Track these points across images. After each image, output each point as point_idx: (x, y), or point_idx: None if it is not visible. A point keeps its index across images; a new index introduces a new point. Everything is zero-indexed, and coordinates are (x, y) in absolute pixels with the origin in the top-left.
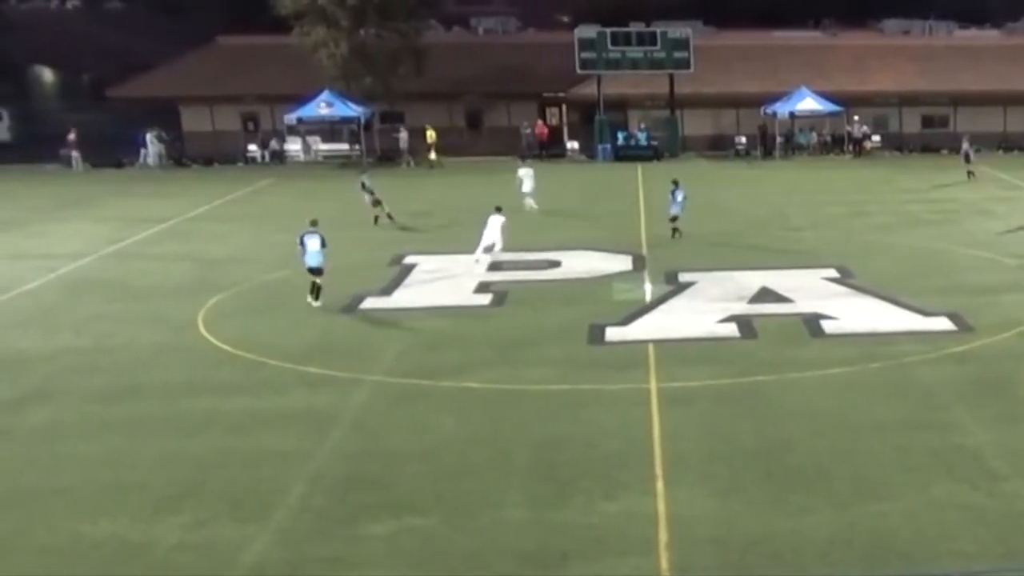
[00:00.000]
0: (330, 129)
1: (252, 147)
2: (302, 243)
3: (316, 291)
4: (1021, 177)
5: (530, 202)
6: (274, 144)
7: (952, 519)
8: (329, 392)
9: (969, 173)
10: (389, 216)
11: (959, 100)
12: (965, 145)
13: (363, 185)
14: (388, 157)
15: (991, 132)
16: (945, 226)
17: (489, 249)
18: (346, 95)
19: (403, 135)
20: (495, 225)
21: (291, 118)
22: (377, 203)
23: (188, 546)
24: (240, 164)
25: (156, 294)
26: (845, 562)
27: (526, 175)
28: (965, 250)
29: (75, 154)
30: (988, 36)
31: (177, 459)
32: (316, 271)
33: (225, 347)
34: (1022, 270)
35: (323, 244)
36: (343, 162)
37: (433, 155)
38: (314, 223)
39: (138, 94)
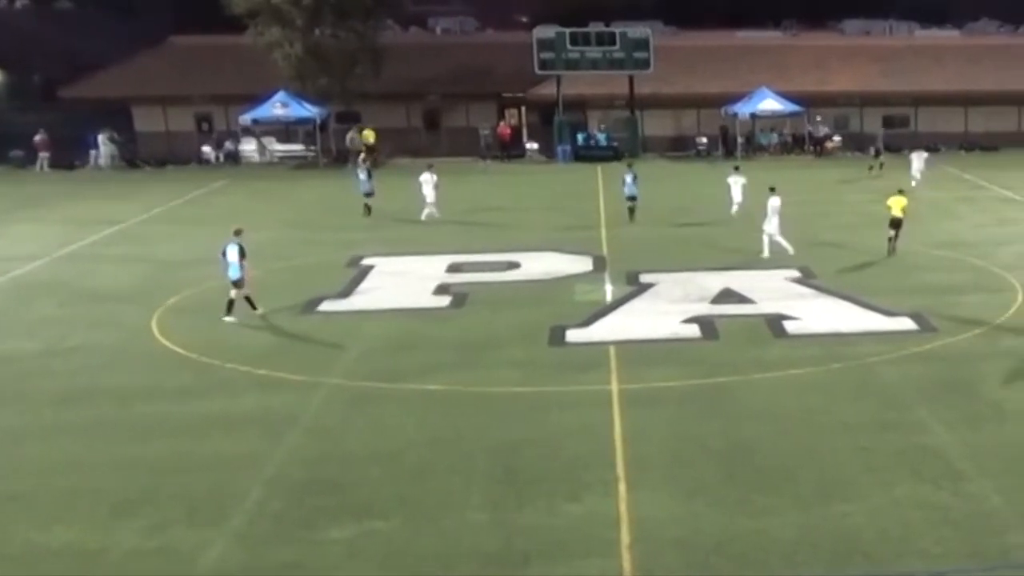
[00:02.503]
0: (285, 130)
1: (206, 148)
2: (223, 254)
3: (229, 305)
4: (984, 177)
5: None
6: (229, 145)
7: (916, 519)
8: (286, 395)
9: (880, 164)
10: (368, 209)
11: (920, 100)
12: (879, 143)
13: (369, 175)
14: (344, 158)
15: (953, 132)
16: (907, 226)
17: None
18: (302, 96)
19: (350, 135)
20: (774, 206)
21: (246, 119)
22: (370, 194)
23: (144, 552)
24: (194, 165)
25: (110, 297)
26: (810, 563)
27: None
28: (928, 250)
29: (43, 155)
30: (949, 36)
31: (132, 464)
32: (237, 283)
33: (180, 350)
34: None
35: (242, 254)
36: (299, 163)
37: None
38: (237, 232)
39: (89, 94)
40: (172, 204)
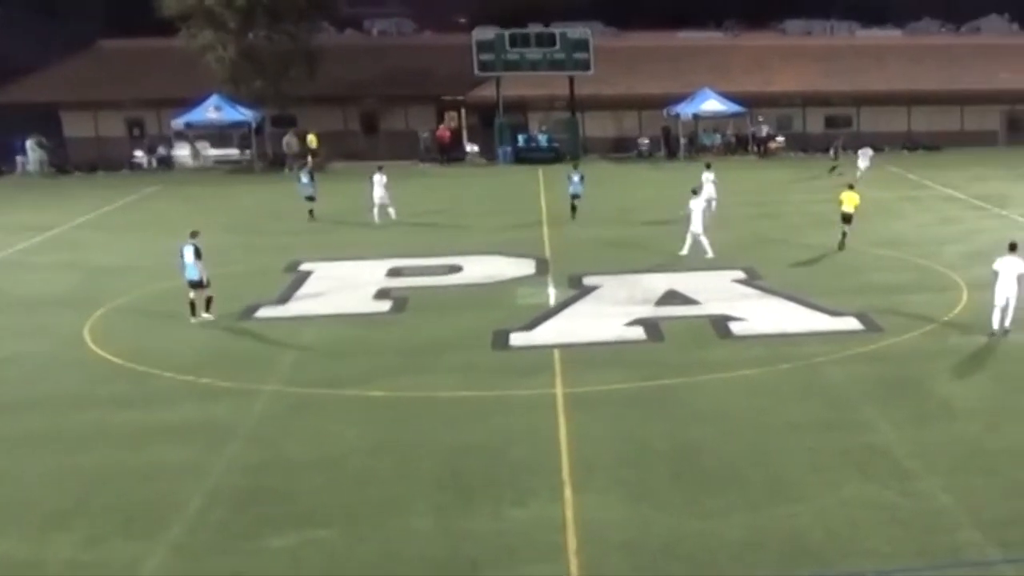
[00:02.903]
0: (219, 134)
1: (138, 153)
2: (181, 256)
3: (207, 304)
4: (927, 176)
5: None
6: (161, 150)
7: (864, 519)
8: (225, 403)
9: (833, 168)
10: (311, 212)
11: (862, 100)
12: (838, 144)
13: (312, 177)
14: (280, 162)
15: (896, 132)
16: (852, 225)
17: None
18: (236, 99)
19: (287, 139)
20: (696, 207)
21: (179, 123)
22: (312, 198)
23: (80, 564)
24: (126, 171)
25: (40, 305)
26: (758, 564)
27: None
28: (873, 249)
29: None
30: (890, 36)
31: (66, 475)
32: (193, 284)
33: (114, 359)
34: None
35: (197, 256)
36: (234, 168)
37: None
38: (193, 234)
39: (16, 99)
40: (104, 210)
